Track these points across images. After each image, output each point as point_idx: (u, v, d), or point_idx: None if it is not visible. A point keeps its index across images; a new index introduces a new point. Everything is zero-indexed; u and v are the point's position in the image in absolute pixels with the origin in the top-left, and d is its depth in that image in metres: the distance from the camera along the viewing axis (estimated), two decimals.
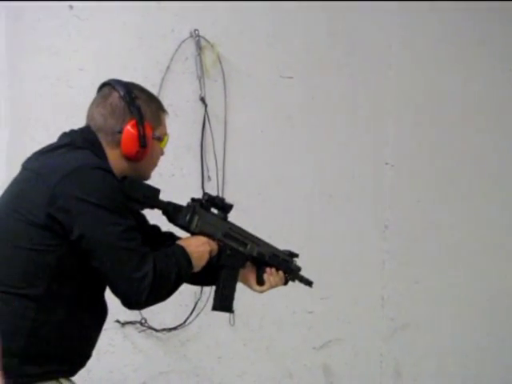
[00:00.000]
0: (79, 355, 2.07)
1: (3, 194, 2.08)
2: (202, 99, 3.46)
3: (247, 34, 3.60)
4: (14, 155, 2.97)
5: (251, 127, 3.64)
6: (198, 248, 2.15)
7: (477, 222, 4.24)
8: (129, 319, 3.35)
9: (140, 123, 2.05)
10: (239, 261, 2.30)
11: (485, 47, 4.21)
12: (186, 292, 3.42)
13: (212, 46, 3.47)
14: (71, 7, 3.19)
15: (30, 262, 1.92)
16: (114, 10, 3.28)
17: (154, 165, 2.21)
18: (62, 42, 3.19)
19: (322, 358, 3.92)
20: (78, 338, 2.02)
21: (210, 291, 3.46)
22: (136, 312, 3.33)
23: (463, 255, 4.21)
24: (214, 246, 2.21)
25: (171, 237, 2.34)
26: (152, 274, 1.92)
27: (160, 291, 1.99)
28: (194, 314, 3.47)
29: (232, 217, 3.47)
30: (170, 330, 3.46)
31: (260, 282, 2.39)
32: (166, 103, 3.21)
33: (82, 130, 2.10)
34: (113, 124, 2.06)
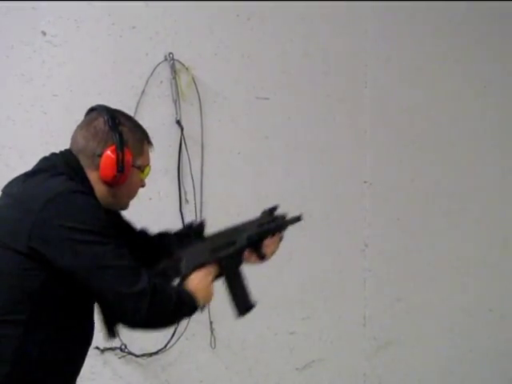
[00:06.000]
0: (64, 382, 2.06)
1: None
2: (178, 122, 3.45)
3: (222, 56, 3.60)
4: None
5: (228, 149, 3.64)
6: (200, 283, 2.15)
7: (456, 239, 4.24)
8: (108, 345, 3.31)
9: (119, 148, 2.05)
10: (237, 260, 2.32)
11: (459, 64, 4.24)
12: None
13: (187, 68, 3.47)
14: (44, 33, 3.18)
15: (14, 288, 1.90)
16: (87, 35, 3.28)
17: (133, 194, 2.20)
18: (36, 69, 3.18)
19: (306, 378, 3.90)
20: (62, 364, 2.00)
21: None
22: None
23: (444, 272, 4.21)
24: (212, 269, 2.22)
25: (161, 237, 2.39)
26: (149, 288, 1.92)
27: (160, 307, 1.96)
28: (175, 338, 3.43)
29: None
30: (150, 355, 3.43)
31: (261, 256, 2.40)
32: None
33: (62, 154, 2.09)
34: (94, 147, 2.06)
